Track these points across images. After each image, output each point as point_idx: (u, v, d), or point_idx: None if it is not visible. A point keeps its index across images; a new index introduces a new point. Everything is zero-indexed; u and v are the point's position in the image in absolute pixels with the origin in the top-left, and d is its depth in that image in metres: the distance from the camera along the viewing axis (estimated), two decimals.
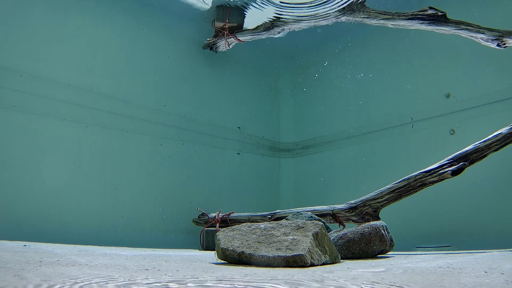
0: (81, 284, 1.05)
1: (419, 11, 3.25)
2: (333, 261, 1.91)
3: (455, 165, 2.75)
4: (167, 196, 4.10)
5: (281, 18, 3.99)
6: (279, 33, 4.06)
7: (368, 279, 1.25)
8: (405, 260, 2.07)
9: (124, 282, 1.09)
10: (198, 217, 4.01)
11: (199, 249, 3.57)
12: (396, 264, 1.83)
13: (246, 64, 5.26)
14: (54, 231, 3.22)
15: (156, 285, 1.06)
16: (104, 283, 1.07)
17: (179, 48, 4.50)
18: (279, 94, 5.65)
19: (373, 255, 2.37)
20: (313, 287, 1.09)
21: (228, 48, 4.49)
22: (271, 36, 4.15)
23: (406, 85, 4.34)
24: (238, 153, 4.92)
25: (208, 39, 4.53)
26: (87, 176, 3.54)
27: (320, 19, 3.72)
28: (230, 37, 4.35)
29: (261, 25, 4.13)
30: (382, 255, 2.48)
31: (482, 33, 3.06)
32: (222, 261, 1.90)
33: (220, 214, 3.74)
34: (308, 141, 5.31)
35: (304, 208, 3.29)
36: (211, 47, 4.56)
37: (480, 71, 3.79)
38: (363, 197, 3.03)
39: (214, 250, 1.98)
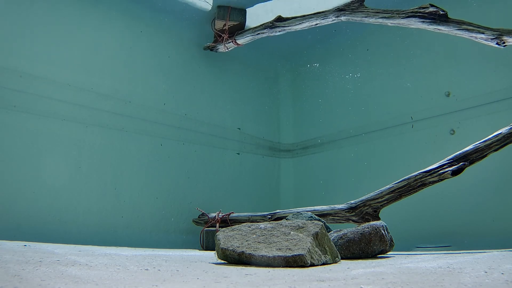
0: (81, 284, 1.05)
1: (419, 8, 3.24)
2: (333, 261, 1.90)
3: (455, 165, 2.75)
4: (167, 196, 4.10)
5: (282, 17, 3.99)
6: (279, 32, 4.06)
7: (368, 279, 1.25)
8: (405, 260, 2.07)
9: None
10: (198, 217, 4.01)
11: (199, 249, 3.57)
12: (396, 264, 1.83)
13: (246, 64, 5.25)
14: (54, 231, 3.22)
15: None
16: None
17: (179, 48, 4.50)
18: (279, 94, 5.64)
19: (373, 255, 2.37)
20: (313, 287, 1.09)
21: (227, 50, 4.49)
22: (271, 34, 4.13)
23: (406, 83, 4.34)
24: (238, 153, 4.92)
25: (208, 43, 4.54)
26: (87, 176, 3.54)
27: (320, 20, 3.71)
28: (229, 41, 4.34)
29: (262, 24, 4.13)
30: (382, 255, 2.48)
31: (482, 33, 3.05)
32: (222, 261, 1.90)
33: (220, 214, 3.74)
34: (308, 141, 5.31)
35: (304, 208, 3.29)
36: (211, 48, 4.57)
37: (480, 71, 3.79)
38: (363, 197, 3.03)
39: (214, 250, 1.98)
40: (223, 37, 4.34)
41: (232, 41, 4.33)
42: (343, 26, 4.40)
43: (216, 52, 4.62)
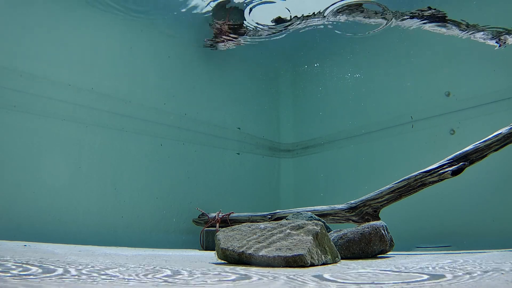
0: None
1: (419, 10, 3.25)
2: (333, 261, 1.90)
3: (455, 165, 2.75)
4: (167, 196, 4.10)
5: (282, 18, 3.99)
6: (279, 33, 4.06)
7: (368, 279, 1.25)
8: (405, 260, 2.07)
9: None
10: (198, 217, 4.01)
11: (199, 249, 3.57)
12: (396, 264, 1.83)
13: (246, 64, 5.25)
14: (54, 231, 3.22)
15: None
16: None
17: (179, 48, 4.50)
18: (279, 94, 5.65)
19: (373, 255, 2.36)
20: (313, 287, 1.09)
21: (228, 48, 4.49)
22: (272, 34, 4.14)
23: (406, 83, 4.35)
24: (238, 153, 4.92)
25: (207, 39, 4.53)
26: (87, 176, 3.54)
27: (320, 21, 3.72)
28: (229, 40, 4.34)
29: (262, 25, 4.12)
30: (382, 255, 2.48)
31: (481, 31, 3.05)
32: (222, 261, 1.90)
33: (220, 214, 3.74)
34: (308, 141, 5.31)
35: (304, 208, 3.29)
36: (211, 46, 4.56)
37: (480, 71, 3.79)
38: (363, 197, 3.03)
39: (214, 250, 1.98)
40: (223, 35, 4.33)
41: (233, 39, 4.33)
42: (344, 26, 4.40)
43: (216, 50, 4.61)
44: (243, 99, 5.13)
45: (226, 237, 1.93)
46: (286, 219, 2.53)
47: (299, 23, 3.84)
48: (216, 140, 4.69)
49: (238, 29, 4.36)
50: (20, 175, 3.17)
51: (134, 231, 3.76)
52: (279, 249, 1.73)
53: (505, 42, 3.01)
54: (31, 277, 1.08)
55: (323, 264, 1.79)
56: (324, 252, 1.85)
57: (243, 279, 1.25)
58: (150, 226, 3.91)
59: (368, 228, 2.38)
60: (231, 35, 4.35)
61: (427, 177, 2.81)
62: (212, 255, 2.46)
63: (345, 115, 4.91)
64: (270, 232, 1.92)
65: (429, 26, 3.21)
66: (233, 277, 1.30)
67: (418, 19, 3.22)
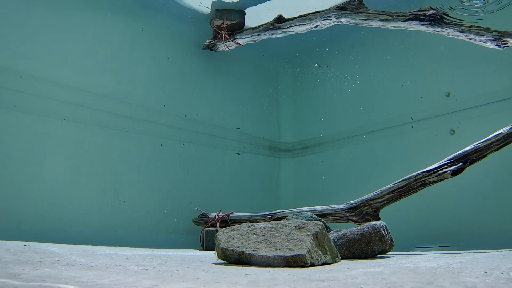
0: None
1: (419, 10, 3.25)
2: (333, 261, 1.90)
3: (455, 165, 2.75)
4: (167, 196, 4.10)
5: (282, 17, 3.99)
6: (280, 34, 4.06)
7: (368, 279, 1.25)
8: (405, 260, 2.07)
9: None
10: (198, 217, 4.01)
11: (199, 249, 3.57)
12: (396, 264, 1.83)
13: (246, 65, 5.26)
14: (54, 231, 3.22)
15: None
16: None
17: (179, 48, 4.50)
18: (279, 94, 5.65)
19: (373, 255, 2.37)
20: (313, 287, 1.09)
21: (227, 49, 4.49)
22: (272, 36, 4.14)
23: (406, 83, 4.35)
24: (238, 153, 4.92)
25: (208, 40, 4.53)
26: (87, 176, 3.54)
27: (321, 21, 3.71)
28: (229, 41, 4.34)
29: (262, 25, 4.13)
30: (382, 255, 2.48)
31: (482, 35, 3.05)
32: (222, 261, 1.90)
33: (220, 214, 3.74)
34: (308, 141, 5.31)
35: (304, 208, 3.29)
36: (211, 48, 4.56)
37: (480, 71, 3.79)
38: (363, 197, 3.03)
39: (214, 250, 1.98)
40: (222, 34, 4.32)
41: (232, 40, 4.33)
42: (344, 26, 4.41)
43: (216, 51, 4.62)
44: (243, 99, 5.13)
45: (226, 237, 1.93)
46: (286, 219, 2.53)
47: (300, 25, 3.83)
48: (216, 140, 4.69)
49: (238, 29, 4.35)
50: (20, 175, 3.17)
51: (134, 231, 3.76)
52: (279, 249, 1.73)
53: (505, 44, 3.00)
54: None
55: (323, 264, 1.79)
56: (324, 252, 1.85)
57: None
58: (150, 226, 3.91)
59: (368, 228, 2.38)
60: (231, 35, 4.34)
61: (427, 177, 2.81)
62: (212, 255, 2.46)
63: (345, 115, 4.91)
64: (270, 232, 1.92)
65: (431, 29, 3.20)
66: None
67: (418, 20, 3.21)
